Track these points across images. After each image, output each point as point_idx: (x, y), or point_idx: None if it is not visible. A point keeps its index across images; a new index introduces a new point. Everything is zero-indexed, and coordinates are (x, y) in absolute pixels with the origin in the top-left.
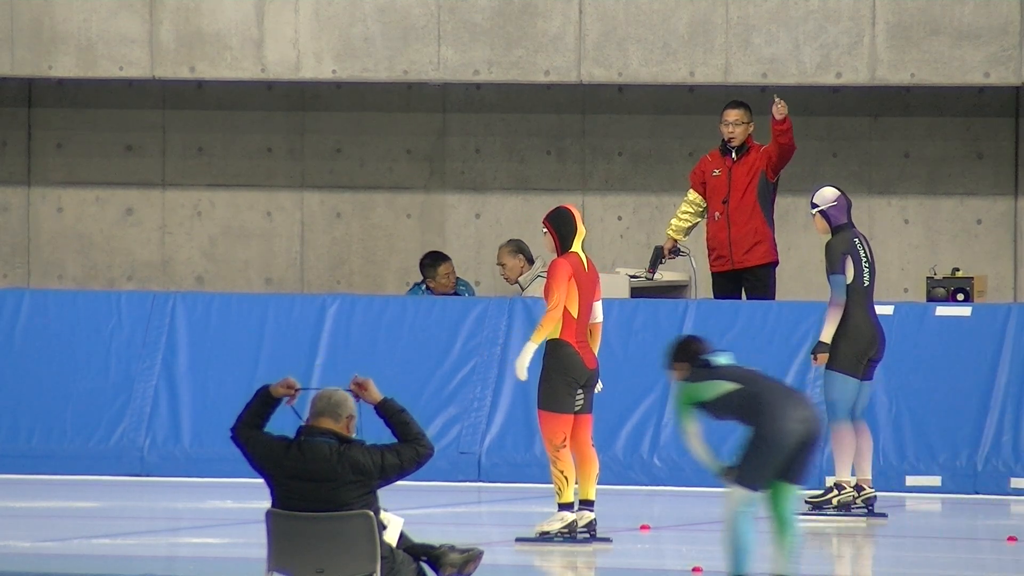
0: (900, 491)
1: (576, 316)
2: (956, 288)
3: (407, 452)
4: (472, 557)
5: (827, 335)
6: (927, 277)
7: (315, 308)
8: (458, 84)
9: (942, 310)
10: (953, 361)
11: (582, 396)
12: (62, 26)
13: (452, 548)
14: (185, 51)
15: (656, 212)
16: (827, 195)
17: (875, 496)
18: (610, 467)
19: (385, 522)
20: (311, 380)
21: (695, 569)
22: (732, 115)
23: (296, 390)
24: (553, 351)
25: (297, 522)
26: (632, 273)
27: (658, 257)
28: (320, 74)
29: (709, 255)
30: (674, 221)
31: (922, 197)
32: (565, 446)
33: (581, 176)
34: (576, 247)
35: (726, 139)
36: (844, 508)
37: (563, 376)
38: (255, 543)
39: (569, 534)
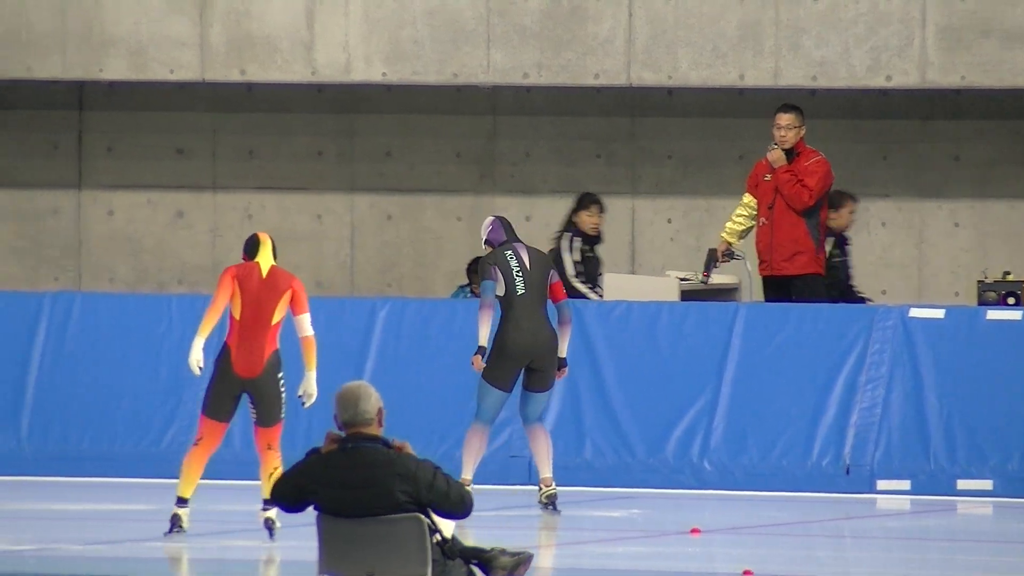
0: (951, 495)
1: (239, 319)
2: (1007, 292)
3: (455, 487)
4: (522, 560)
5: (481, 337)
6: (978, 281)
7: (365, 311)
8: (508, 87)
9: (993, 314)
10: (1004, 365)
11: (253, 408)
12: (113, 29)
13: (502, 551)
14: (235, 54)
15: (706, 215)
16: (483, 225)
17: (556, 493)
18: (660, 470)
19: (436, 526)
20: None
21: (745, 573)
22: (784, 119)
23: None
24: (218, 356)
25: (348, 525)
26: (682, 276)
27: (712, 260)
28: (370, 77)
29: (758, 259)
30: (728, 224)
31: (972, 200)
32: (196, 443)
33: (630, 179)
34: (260, 259)
35: (777, 143)
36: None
37: (216, 381)
38: (306, 546)
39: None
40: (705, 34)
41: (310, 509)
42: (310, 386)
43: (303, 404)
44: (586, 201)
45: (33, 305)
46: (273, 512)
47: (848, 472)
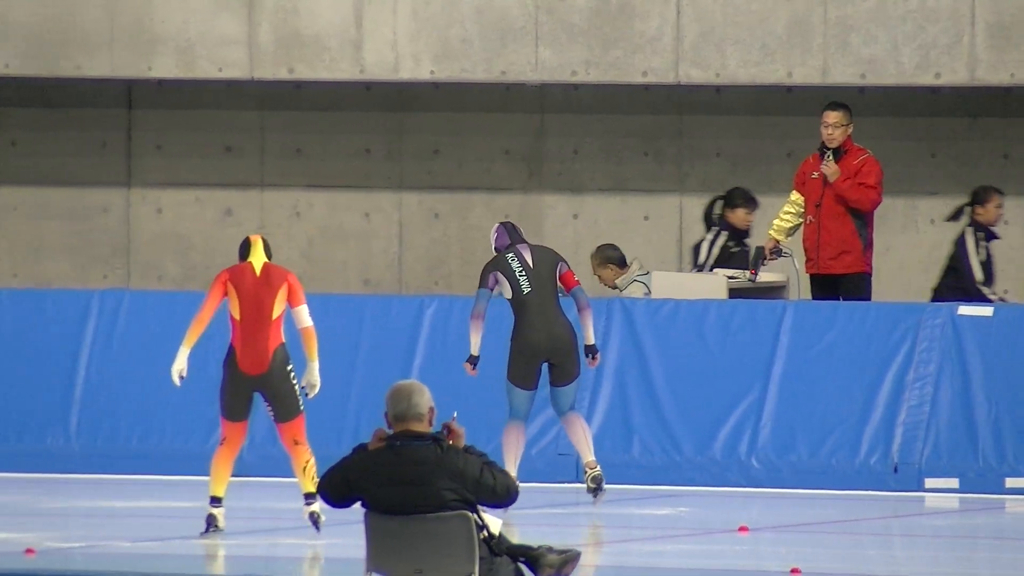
0: (1000, 493)
1: (240, 318)
2: None
3: (502, 479)
4: (570, 558)
5: (472, 346)
6: None
7: (413, 309)
8: (556, 85)
9: None
10: None
11: (269, 406)
12: (161, 28)
13: (550, 549)
14: (284, 52)
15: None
16: (491, 236)
17: (601, 475)
18: (708, 468)
19: (483, 523)
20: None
21: (793, 571)
22: (832, 117)
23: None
24: (225, 358)
25: (395, 523)
26: (730, 274)
27: (760, 257)
28: (418, 75)
29: (805, 257)
30: (776, 221)
31: (1021, 198)
32: (221, 443)
33: (678, 177)
34: (252, 259)
35: (825, 141)
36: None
37: (227, 382)
38: (353, 544)
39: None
40: (753, 32)
41: (356, 505)
42: (313, 376)
43: (307, 395)
44: (738, 199)
45: (82, 303)
46: (316, 506)
47: (896, 470)
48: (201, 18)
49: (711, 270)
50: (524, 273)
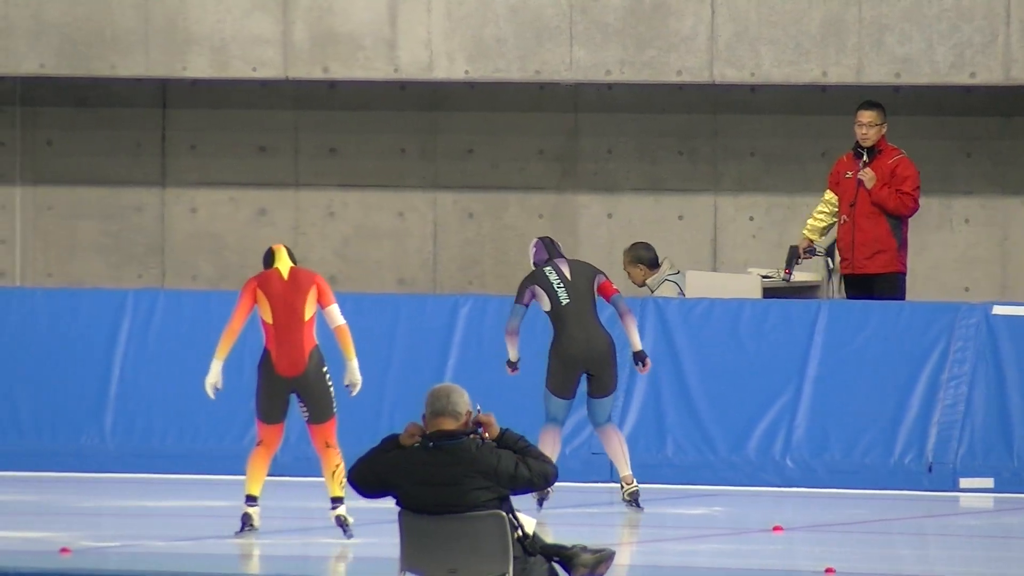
0: None
1: (272, 322)
2: None
3: (537, 467)
4: (604, 558)
5: (510, 354)
6: None
7: (447, 309)
8: (590, 84)
9: None
10: None
11: (304, 406)
12: (196, 27)
13: (584, 549)
14: (318, 51)
15: (788, 212)
16: (529, 251)
17: (638, 490)
18: (742, 468)
19: (518, 523)
20: (443, 381)
21: (828, 570)
22: (866, 116)
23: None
24: (260, 361)
25: (429, 522)
26: (764, 273)
27: (794, 257)
28: (452, 74)
29: (840, 257)
30: (810, 221)
31: None
32: (257, 445)
33: (713, 176)
34: (278, 265)
35: (859, 140)
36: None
37: (263, 385)
38: (387, 543)
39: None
40: (788, 31)
41: (389, 504)
42: (354, 375)
43: (350, 393)
44: None
45: (117, 302)
46: (343, 509)
47: (931, 470)
48: (235, 17)
49: None
50: (562, 285)
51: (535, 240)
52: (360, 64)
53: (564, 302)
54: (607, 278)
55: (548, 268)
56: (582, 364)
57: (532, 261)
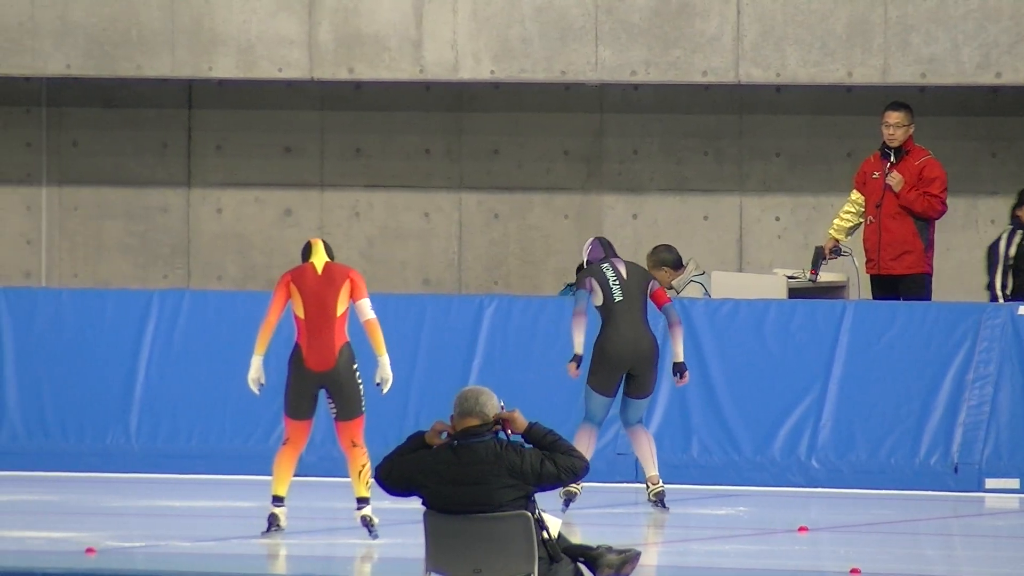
0: None
1: (304, 317)
2: None
3: (564, 462)
4: (629, 558)
5: (576, 345)
6: None
7: (472, 309)
8: (615, 85)
9: None
10: None
11: (332, 403)
12: (222, 28)
13: (609, 549)
14: (344, 52)
15: (814, 213)
16: (583, 246)
17: (664, 491)
18: (767, 468)
19: (544, 524)
20: (468, 381)
21: (853, 571)
22: (893, 117)
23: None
24: (291, 356)
25: (454, 523)
26: (790, 274)
27: (819, 257)
28: (478, 75)
29: (866, 257)
30: (836, 221)
31: None
32: (284, 443)
33: (738, 176)
34: (313, 259)
35: (886, 141)
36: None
37: (292, 380)
38: (412, 543)
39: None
40: (814, 31)
41: (415, 504)
42: (385, 371)
43: (381, 391)
44: None
45: (142, 303)
46: (368, 510)
47: (956, 470)
48: (261, 18)
49: (1007, 271)
50: (617, 282)
51: (591, 239)
52: (385, 65)
53: (617, 299)
54: (661, 285)
55: (606, 265)
56: (627, 362)
57: (586, 259)
